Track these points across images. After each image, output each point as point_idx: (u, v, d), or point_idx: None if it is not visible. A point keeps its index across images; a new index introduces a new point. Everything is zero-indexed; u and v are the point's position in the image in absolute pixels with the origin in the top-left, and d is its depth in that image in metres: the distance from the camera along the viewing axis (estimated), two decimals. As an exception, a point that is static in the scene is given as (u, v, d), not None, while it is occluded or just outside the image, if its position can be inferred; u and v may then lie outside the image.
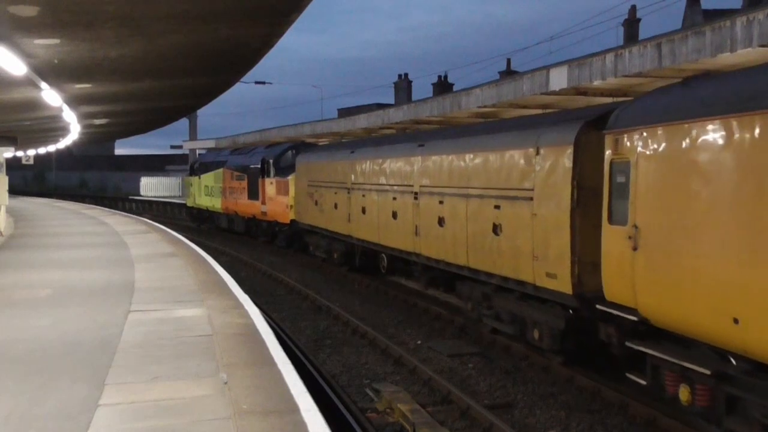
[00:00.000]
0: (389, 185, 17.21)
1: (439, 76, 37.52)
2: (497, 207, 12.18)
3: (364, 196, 18.93)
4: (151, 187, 74.18)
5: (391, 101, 42.46)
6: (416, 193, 15.59)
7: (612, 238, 9.30)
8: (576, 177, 10.25)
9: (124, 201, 63.40)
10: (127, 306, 10.97)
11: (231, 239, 34.30)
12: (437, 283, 16.07)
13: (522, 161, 11.52)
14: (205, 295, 12.01)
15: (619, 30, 32.28)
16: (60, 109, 20.03)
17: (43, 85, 14.75)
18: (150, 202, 59.69)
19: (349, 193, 20.11)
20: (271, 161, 28.47)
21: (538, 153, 11.12)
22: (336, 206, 21.10)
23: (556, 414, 9.79)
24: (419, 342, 13.72)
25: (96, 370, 7.47)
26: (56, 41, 11.17)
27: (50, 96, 16.20)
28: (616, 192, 9.36)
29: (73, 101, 19.38)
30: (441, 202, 14.34)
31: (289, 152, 27.96)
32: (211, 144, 55.16)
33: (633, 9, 31.39)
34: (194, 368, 7.56)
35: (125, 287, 12.70)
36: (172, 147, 65.86)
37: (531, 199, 11.21)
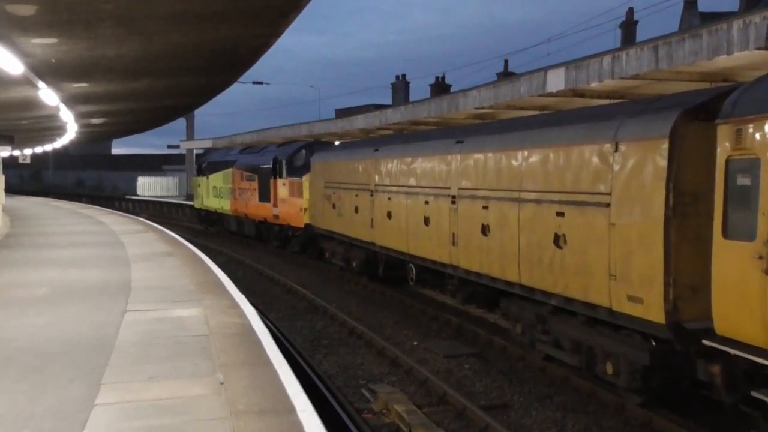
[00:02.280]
0: (421, 187, 15.26)
1: (437, 77, 37.60)
2: (560, 214, 10.30)
3: (390, 199, 16.95)
4: (148, 186, 74.16)
5: (390, 102, 42.50)
6: (454, 197, 13.65)
7: (730, 257, 7.52)
8: (672, 179, 8.35)
9: (121, 200, 63.34)
10: (124, 305, 10.97)
11: (229, 240, 34.27)
12: (476, 299, 14.51)
13: (594, 159, 9.67)
14: (202, 295, 12.00)
15: (616, 32, 32.36)
16: (57, 109, 20.02)
17: (41, 84, 14.75)
18: (147, 202, 59.65)
19: (372, 195, 18.09)
20: (283, 161, 26.74)
21: (616, 149, 9.23)
22: (357, 210, 19.10)
23: (552, 415, 9.80)
24: (416, 343, 13.73)
25: (92, 370, 7.46)
26: (54, 40, 11.17)
27: (47, 95, 16.20)
28: (735, 198, 7.58)
29: (71, 100, 19.37)
30: (485, 208, 12.46)
31: (303, 151, 26.33)
32: (208, 144, 55.14)
33: (630, 11, 31.50)
34: (191, 368, 7.55)
35: (122, 287, 12.69)
36: (169, 147, 65.90)
37: (607, 205, 9.33)
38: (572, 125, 10.50)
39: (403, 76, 42.28)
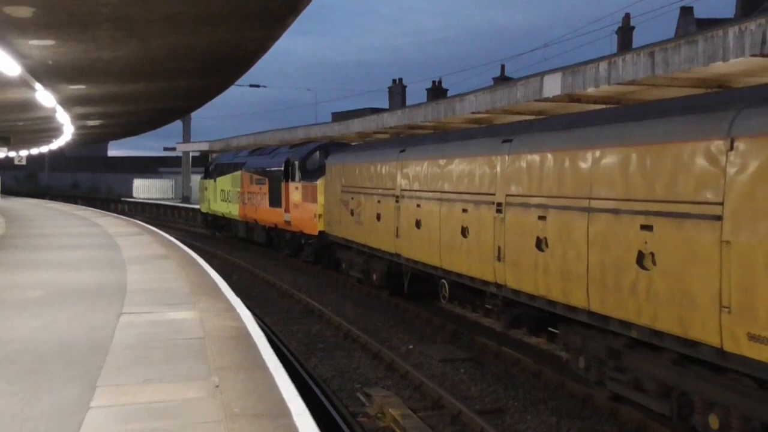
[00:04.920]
0: (457, 193, 13.32)
1: (434, 82, 37.74)
2: (646, 228, 8.35)
3: (419, 206, 15.04)
4: (143, 188, 74.10)
5: (386, 106, 42.59)
6: (500, 204, 11.75)
7: None
8: None
9: (117, 203, 63.33)
10: (119, 308, 10.95)
11: (225, 243, 34.23)
12: (522, 323, 12.62)
13: (699, 160, 7.70)
14: (197, 298, 11.99)
15: (612, 38, 32.46)
16: (54, 110, 20.03)
17: (37, 85, 14.77)
18: (143, 204, 59.61)
19: (397, 201, 16.21)
20: (296, 163, 25.06)
21: (732, 147, 7.33)
22: (379, 217, 17.26)
23: (546, 420, 9.81)
24: (411, 347, 13.73)
25: (88, 372, 7.45)
26: (51, 42, 11.19)
27: (44, 97, 16.21)
28: None
29: (67, 102, 19.38)
30: (542, 218, 10.53)
31: (317, 152, 24.77)
32: (204, 146, 55.20)
33: (627, 17, 31.60)
34: (186, 371, 7.54)
35: (117, 289, 12.67)
36: (166, 149, 65.96)
37: (718, 218, 7.38)
38: (664, 118, 8.51)
39: (400, 80, 42.42)
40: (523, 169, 11.21)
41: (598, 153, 9.40)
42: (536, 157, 10.84)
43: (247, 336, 9.21)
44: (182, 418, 6.14)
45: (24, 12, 9.10)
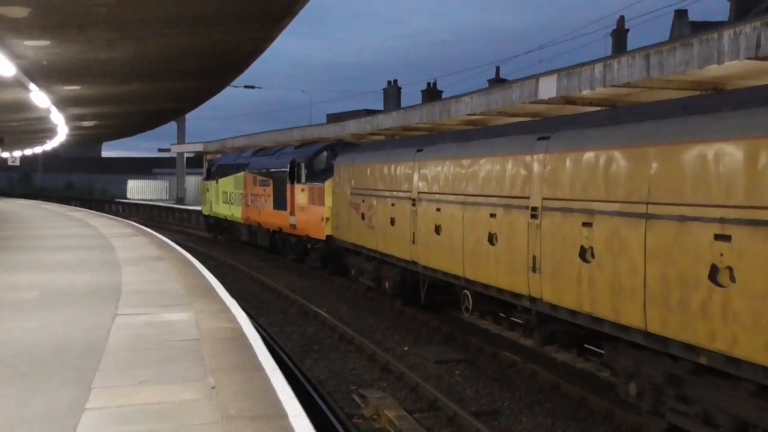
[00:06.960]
0: (484, 196, 12.15)
1: (428, 83, 37.77)
2: (722, 238, 7.13)
3: (439, 210, 13.83)
4: (138, 189, 74.01)
5: (381, 107, 42.66)
6: (535, 209, 10.54)
7: None
8: None
9: (111, 203, 63.21)
10: (114, 309, 10.92)
11: (220, 245, 34.17)
12: (558, 340, 11.64)
13: None
14: (193, 299, 11.97)
15: (607, 40, 32.54)
16: (48, 111, 20.01)
17: (32, 86, 14.74)
18: (137, 205, 59.53)
19: (414, 205, 15.04)
20: (302, 164, 23.98)
21: None
22: (393, 222, 16.12)
23: (542, 421, 9.83)
24: (406, 348, 13.74)
25: (83, 374, 7.43)
26: (46, 43, 11.18)
27: (38, 97, 16.18)
28: None
29: (62, 103, 19.35)
30: (587, 225, 9.29)
31: (325, 153, 23.75)
32: (199, 147, 55.21)
33: (621, 20, 31.67)
34: (182, 372, 7.53)
35: (112, 290, 12.64)
36: (160, 150, 65.95)
37: None
38: (743, 110, 7.25)
39: (395, 81, 42.51)
40: (563, 170, 9.92)
41: (657, 151, 8.10)
42: (580, 156, 9.55)
43: (243, 337, 9.20)
44: (178, 419, 6.13)
45: (19, 12, 9.09)
